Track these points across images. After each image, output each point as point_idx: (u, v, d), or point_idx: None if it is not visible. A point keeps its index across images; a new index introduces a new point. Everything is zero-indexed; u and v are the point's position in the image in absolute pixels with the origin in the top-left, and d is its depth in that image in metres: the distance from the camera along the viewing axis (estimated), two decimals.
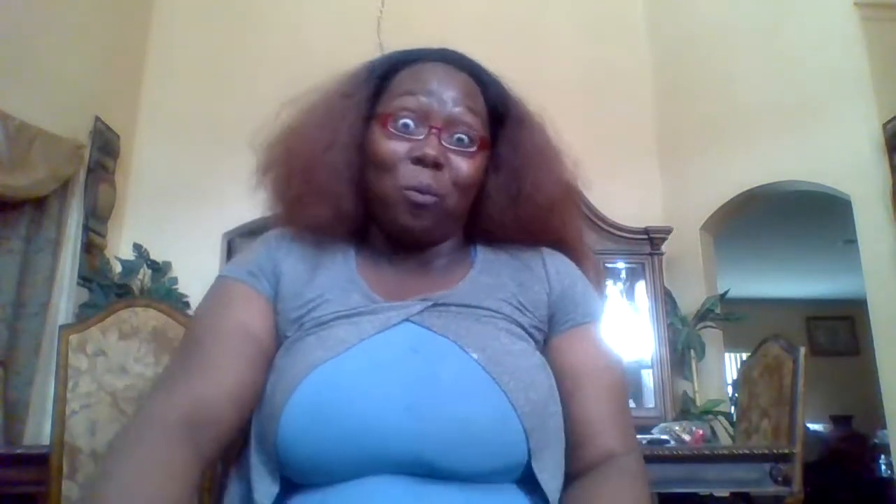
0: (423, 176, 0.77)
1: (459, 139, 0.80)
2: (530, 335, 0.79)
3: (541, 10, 4.39)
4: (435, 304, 0.77)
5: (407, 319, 0.75)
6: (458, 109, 0.80)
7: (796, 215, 5.07)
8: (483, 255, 0.86)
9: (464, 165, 0.80)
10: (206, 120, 4.01)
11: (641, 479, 0.73)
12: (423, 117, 0.79)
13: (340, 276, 0.81)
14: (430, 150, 0.77)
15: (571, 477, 0.73)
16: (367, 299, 0.78)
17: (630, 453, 0.75)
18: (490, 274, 0.83)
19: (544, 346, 0.81)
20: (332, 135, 0.82)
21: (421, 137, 0.79)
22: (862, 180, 3.21)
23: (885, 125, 3.12)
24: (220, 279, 0.83)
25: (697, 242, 3.97)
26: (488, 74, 0.88)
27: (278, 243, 0.84)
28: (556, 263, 0.85)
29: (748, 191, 3.76)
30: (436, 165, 0.77)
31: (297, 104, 0.87)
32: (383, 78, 0.85)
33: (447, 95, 0.80)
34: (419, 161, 0.77)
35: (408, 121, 0.79)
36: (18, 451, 2.13)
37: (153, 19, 4.22)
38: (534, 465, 0.69)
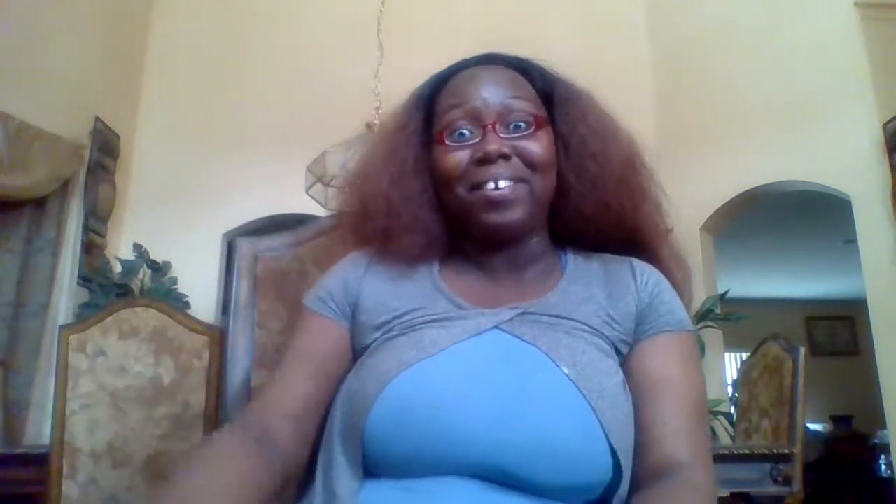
0: (494, 170, 0.78)
1: (517, 126, 0.80)
2: (617, 350, 0.78)
3: (541, 10, 4.39)
4: (525, 313, 0.77)
5: (497, 327, 0.76)
6: (506, 101, 0.81)
7: (796, 215, 5.08)
8: (574, 264, 0.85)
9: (531, 146, 0.80)
10: (207, 120, 4.01)
11: (707, 496, 0.68)
12: (475, 121, 0.80)
13: (426, 286, 0.82)
14: (492, 146, 0.77)
15: (633, 483, 0.71)
16: (455, 306, 0.79)
17: (698, 466, 0.70)
18: (580, 284, 0.82)
19: (627, 355, 0.80)
20: (399, 167, 0.84)
21: (478, 139, 0.79)
22: (862, 180, 3.21)
23: (885, 125, 3.12)
24: (302, 307, 0.87)
25: (697, 242, 3.97)
26: (528, 62, 0.88)
27: (355, 264, 0.86)
28: (645, 273, 0.83)
29: (748, 191, 3.76)
30: (502, 157, 0.78)
31: (360, 151, 0.91)
32: (430, 101, 0.86)
33: (491, 91, 0.81)
34: (484, 160, 0.78)
35: (462, 129, 0.80)
36: (18, 451, 2.13)
37: (153, 19, 4.22)
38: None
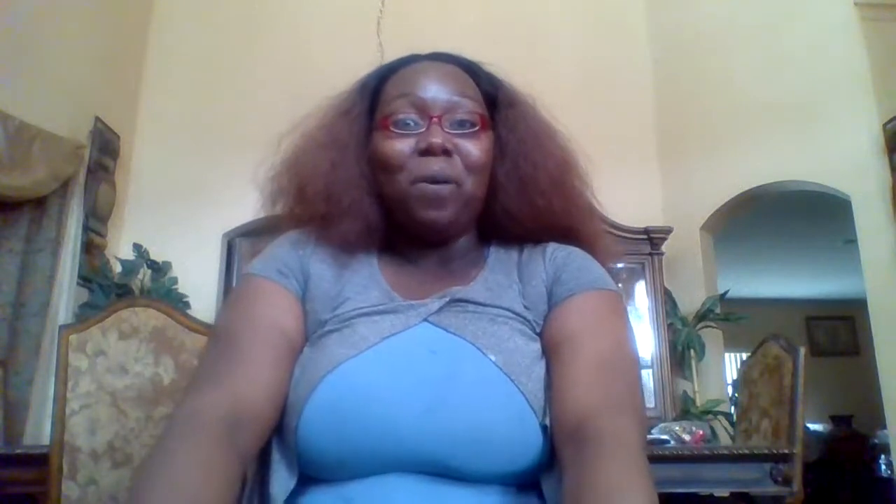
0: (435, 164, 0.78)
1: (461, 122, 0.80)
2: (538, 334, 0.79)
3: (541, 10, 4.38)
4: (451, 301, 0.78)
5: (425, 320, 0.76)
6: (454, 98, 0.81)
7: (796, 215, 5.08)
8: (496, 255, 0.86)
9: (472, 147, 0.80)
10: (207, 120, 4.01)
11: (619, 445, 0.62)
12: (420, 111, 0.80)
13: (364, 275, 0.82)
14: (436, 139, 0.77)
15: (554, 448, 0.68)
16: (386, 297, 0.79)
17: (604, 415, 0.65)
18: (501, 273, 0.83)
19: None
20: (340, 153, 0.83)
21: (423, 130, 0.79)
22: (862, 180, 3.21)
23: (885, 125, 3.13)
24: (249, 277, 0.81)
25: (697, 242, 3.97)
26: (476, 64, 0.89)
27: (304, 243, 0.84)
28: (555, 252, 0.84)
29: (748, 191, 3.76)
30: (444, 152, 0.78)
31: (295, 131, 0.88)
32: (376, 89, 0.86)
33: (440, 86, 0.81)
34: (427, 152, 0.78)
35: (407, 119, 0.80)
36: (18, 451, 2.13)
37: (153, 20, 4.22)
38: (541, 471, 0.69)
